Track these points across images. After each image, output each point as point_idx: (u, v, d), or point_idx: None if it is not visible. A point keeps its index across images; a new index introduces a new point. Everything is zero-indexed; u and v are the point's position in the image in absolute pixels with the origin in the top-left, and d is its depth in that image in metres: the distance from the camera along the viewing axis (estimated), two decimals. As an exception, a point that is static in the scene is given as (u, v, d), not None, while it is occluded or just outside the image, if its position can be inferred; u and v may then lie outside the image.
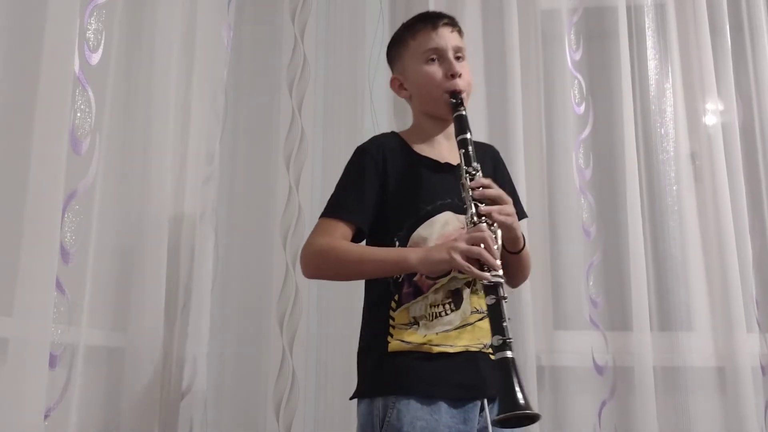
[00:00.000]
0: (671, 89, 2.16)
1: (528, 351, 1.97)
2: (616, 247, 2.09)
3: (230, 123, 2.24)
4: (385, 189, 1.44)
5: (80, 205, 1.28)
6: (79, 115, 1.28)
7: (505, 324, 1.22)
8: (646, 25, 2.19)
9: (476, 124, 2.13)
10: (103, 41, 1.37)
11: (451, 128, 1.46)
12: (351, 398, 1.43)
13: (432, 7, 2.22)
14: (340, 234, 1.40)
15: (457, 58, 1.49)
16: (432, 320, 1.38)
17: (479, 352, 1.39)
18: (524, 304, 1.99)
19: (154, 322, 1.50)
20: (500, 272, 1.27)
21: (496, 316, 1.24)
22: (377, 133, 2.29)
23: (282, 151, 2.27)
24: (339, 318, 2.14)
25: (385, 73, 2.30)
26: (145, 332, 1.48)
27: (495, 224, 1.33)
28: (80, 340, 1.29)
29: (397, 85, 1.56)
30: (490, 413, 1.35)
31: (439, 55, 1.48)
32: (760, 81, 2.11)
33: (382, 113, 2.28)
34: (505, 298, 1.25)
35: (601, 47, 2.24)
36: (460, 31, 1.54)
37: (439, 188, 1.44)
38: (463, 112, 1.43)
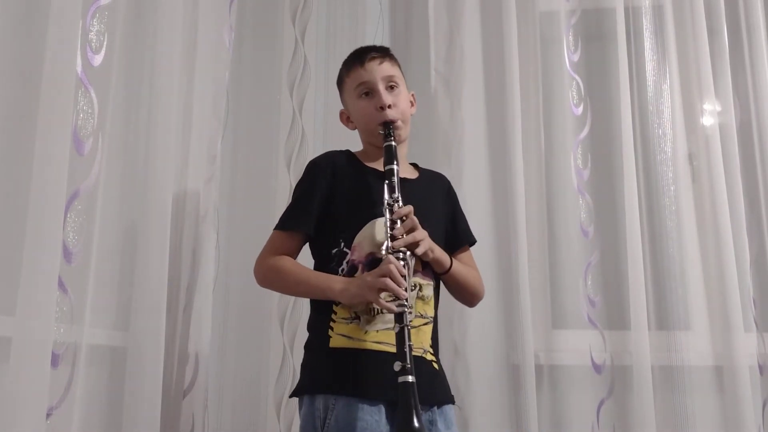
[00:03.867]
0: (669, 90, 2.16)
1: (526, 350, 1.98)
2: (614, 246, 2.10)
3: (231, 124, 2.25)
4: (333, 194, 1.54)
5: (83, 205, 1.29)
6: (81, 116, 1.29)
7: (406, 350, 1.30)
8: (644, 27, 2.20)
9: (475, 124, 2.16)
10: (105, 42, 1.37)
11: (399, 155, 1.53)
12: (291, 396, 1.48)
13: (431, 8, 2.24)
14: (289, 244, 1.54)
15: (391, 87, 1.58)
16: (373, 316, 1.44)
17: (419, 357, 1.44)
18: (522, 303, 2.00)
19: (156, 322, 1.51)
20: (405, 302, 1.36)
21: (400, 342, 1.32)
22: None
23: (283, 151, 2.28)
24: (339, 318, 2.15)
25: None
26: (147, 331, 1.49)
27: (408, 254, 1.41)
28: (82, 339, 1.30)
29: (345, 118, 1.67)
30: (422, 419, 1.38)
31: (368, 88, 1.58)
32: (758, 82, 2.12)
33: (381, 114, 2.28)
34: (407, 325, 1.33)
35: (600, 49, 2.24)
36: (392, 60, 1.62)
37: (381, 195, 1.49)
38: (392, 143, 1.52)
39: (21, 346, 1.10)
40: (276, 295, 2.18)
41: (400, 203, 1.45)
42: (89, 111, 1.31)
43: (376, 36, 2.34)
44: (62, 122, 1.19)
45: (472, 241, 1.69)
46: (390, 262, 1.38)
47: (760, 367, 1.99)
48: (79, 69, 1.27)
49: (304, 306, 2.17)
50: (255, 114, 2.32)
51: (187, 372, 1.76)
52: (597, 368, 2.03)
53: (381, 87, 1.56)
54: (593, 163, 2.18)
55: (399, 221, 1.44)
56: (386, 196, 1.45)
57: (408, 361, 1.29)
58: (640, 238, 2.03)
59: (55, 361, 1.19)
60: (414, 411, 1.23)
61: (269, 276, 1.55)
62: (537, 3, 2.29)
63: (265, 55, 2.35)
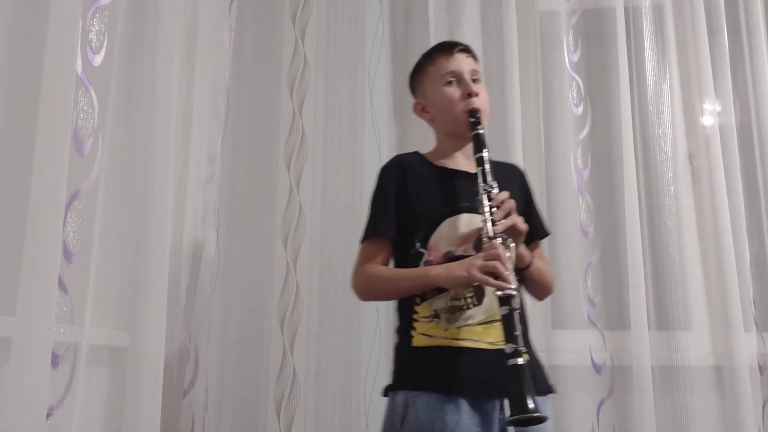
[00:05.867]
0: (669, 90, 2.17)
1: (527, 350, 1.98)
2: (614, 246, 2.10)
3: (231, 124, 2.25)
4: (405, 196, 1.54)
5: (83, 205, 1.29)
6: (81, 116, 1.29)
7: (516, 333, 1.29)
8: (644, 27, 2.20)
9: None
10: (105, 42, 1.38)
11: (470, 147, 1.52)
12: (382, 395, 1.47)
13: (431, 8, 2.24)
14: (376, 253, 1.54)
15: (474, 81, 1.57)
16: (453, 313, 1.43)
17: (501, 350, 1.39)
18: (523, 303, 1.99)
19: (156, 322, 1.50)
20: (512, 285, 1.34)
21: (508, 325, 1.31)
22: (377, 133, 2.31)
23: (283, 151, 2.28)
24: (339, 318, 2.15)
25: (384, 73, 2.33)
26: (147, 332, 1.48)
27: (508, 240, 1.40)
28: (83, 339, 1.30)
29: (420, 109, 1.65)
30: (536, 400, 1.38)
31: (456, 77, 1.57)
32: (757, 82, 2.12)
33: (382, 113, 2.29)
34: (516, 309, 1.32)
35: (600, 49, 2.25)
36: (475, 57, 1.64)
37: (455, 193, 1.50)
38: (481, 131, 1.51)
39: (21, 346, 1.10)
40: (276, 295, 2.18)
41: (496, 189, 1.43)
42: (89, 111, 1.31)
43: (376, 36, 2.34)
44: (62, 122, 1.19)
45: (545, 235, 1.66)
46: (496, 247, 1.36)
47: (760, 367, 1.99)
48: (79, 69, 1.27)
49: (304, 306, 2.17)
50: (255, 114, 2.32)
51: (187, 372, 1.76)
52: (597, 368, 2.03)
53: (468, 77, 1.56)
54: (593, 163, 2.18)
55: (496, 207, 1.41)
56: (480, 182, 1.44)
57: (519, 344, 1.27)
58: (640, 238, 2.03)
59: (55, 361, 1.19)
60: (528, 393, 1.22)
61: (365, 287, 1.55)
62: (537, 3, 2.29)
63: (265, 55, 2.36)
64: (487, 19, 2.24)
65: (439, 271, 1.43)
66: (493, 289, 1.37)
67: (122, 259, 1.52)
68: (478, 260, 1.37)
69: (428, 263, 1.47)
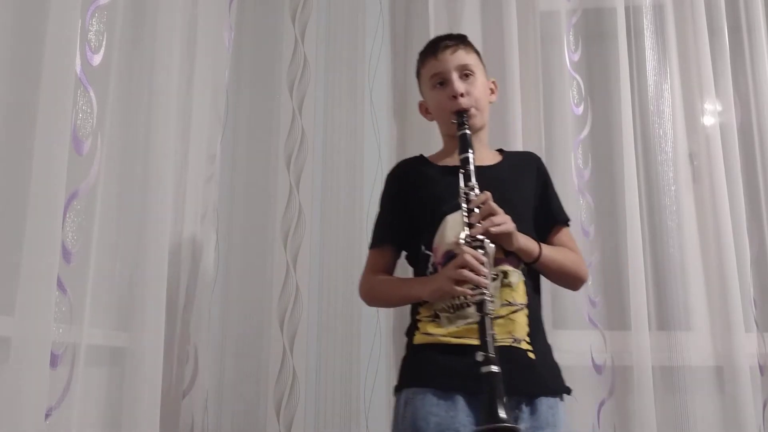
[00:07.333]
0: (669, 90, 2.16)
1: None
2: (615, 247, 2.10)
3: (231, 123, 2.24)
4: (408, 200, 1.55)
5: (82, 205, 1.29)
6: (80, 115, 1.29)
7: (487, 339, 1.27)
8: (645, 26, 2.19)
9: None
10: (104, 42, 1.37)
11: (474, 143, 1.51)
12: (393, 395, 1.48)
13: (431, 8, 2.23)
14: (381, 260, 1.58)
15: (466, 76, 1.56)
16: (454, 312, 1.42)
17: (508, 347, 1.39)
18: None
19: (156, 322, 1.50)
20: (485, 291, 1.33)
21: (481, 332, 1.29)
22: (377, 133, 2.31)
23: (282, 151, 2.28)
24: (339, 318, 2.15)
25: (384, 73, 2.32)
26: (147, 332, 1.48)
27: (486, 241, 1.38)
28: (81, 339, 1.30)
29: (424, 110, 1.67)
30: (508, 409, 1.35)
31: (442, 78, 1.57)
32: (758, 81, 2.12)
33: (382, 113, 2.29)
34: (488, 314, 1.31)
35: (600, 48, 2.24)
36: (467, 47, 1.60)
37: (455, 190, 1.46)
38: (466, 131, 1.50)
39: (20, 346, 1.10)
40: (276, 295, 2.18)
41: (477, 191, 1.42)
42: (88, 111, 1.31)
43: (376, 36, 2.34)
44: (61, 122, 1.18)
45: (564, 220, 1.62)
46: (464, 252, 1.35)
47: (761, 368, 1.98)
48: (78, 69, 1.27)
49: (304, 306, 2.17)
50: (255, 114, 2.31)
51: (187, 372, 1.76)
52: (598, 368, 2.03)
53: (454, 76, 1.55)
54: (594, 163, 2.17)
55: (476, 209, 1.40)
56: (461, 184, 1.43)
57: (490, 351, 1.25)
58: (641, 238, 2.02)
59: (54, 361, 1.19)
60: (499, 402, 1.19)
61: (368, 296, 1.61)
62: (537, 2, 2.28)
63: (265, 54, 2.35)
64: (488, 19, 2.24)
65: (418, 287, 1.46)
66: (493, 286, 1.37)
67: (121, 258, 1.52)
68: (448, 271, 1.38)
69: (435, 265, 1.47)
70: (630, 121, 2.09)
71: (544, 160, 2.14)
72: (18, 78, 1.23)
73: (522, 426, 1.36)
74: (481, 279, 1.33)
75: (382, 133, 2.26)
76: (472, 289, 1.34)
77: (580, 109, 2.20)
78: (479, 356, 1.25)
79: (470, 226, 1.39)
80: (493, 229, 1.39)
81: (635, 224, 2.03)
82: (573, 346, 2.05)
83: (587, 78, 2.22)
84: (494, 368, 1.23)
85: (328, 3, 2.38)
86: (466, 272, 1.34)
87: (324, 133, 2.29)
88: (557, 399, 1.44)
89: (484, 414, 1.20)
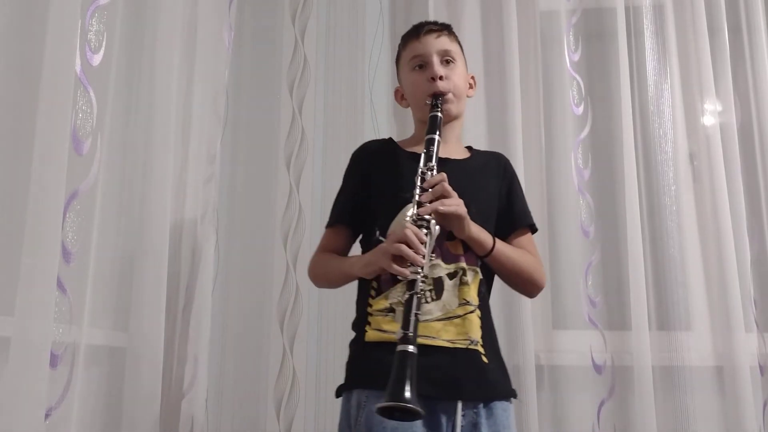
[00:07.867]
0: (670, 90, 2.16)
1: (527, 350, 1.97)
2: (615, 246, 2.10)
3: (231, 123, 2.25)
4: (368, 183, 1.51)
5: (82, 205, 1.29)
6: (80, 115, 1.29)
7: (412, 318, 1.23)
8: (645, 26, 2.19)
9: (476, 124, 2.15)
10: (104, 42, 1.37)
11: (446, 133, 1.48)
12: (336, 396, 1.41)
13: (431, 8, 2.24)
14: (334, 240, 1.54)
15: (447, 62, 1.52)
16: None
17: (464, 349, 1.36)
18: (523, 303, 1.99)
19: (155, 322, 1.50)
20: (420, 270, 1.28)
21: (406, 310, 1.25)
22: (377, 132, 2.30)
23: (282, 151, 2.28)
24: (339, 318, 2.15)
25: (384, 73, 2.33)
26: (146, 332, 1.48)
27: (432, 222, 1.34)
28: (81, 339, 1.30)
29: (399, 96, 1.62)
30: (463, 417, 1.33)
31: (423, 61, 1.53)
32: (758, 81, 2.12)
33: (382, 113, 2.29)
34: (418, 293, 1.27)
35: (600, 48, 2.24)
36: (451, 36, 1.56)
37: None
38: (439, 114, 1.46)
39: (20, 346, 1.10)
40: (276, 295, 2.18)
41: (434, 171, 1.37)
42: (88, 111, 1.31)
43: (376, 36, 2.34)
44: (61, 122, 1.19)
45: (528, 224, 1.56)
46: (407, 228, 1.31)
47: (761, 368, 1.98)
48: (78, 69, 1.27)
49: (304, 306, 2.17)
50: (255, 114, 2.31)
51: (187, 372, 1.76)
52: (598, 368, 2.03)
53: (435, 59, 1.50)
54: (594, 163, 2.17)
55: (430, 190, 1.36)
56: (421, 164, 1.39)
57: (410, 330, 1.21)
58: (641, 238, 2.02)
59: (53, 361, 1.19)
60: (409, 383, 1.15)
61: (311, 273, 1.56)
62: (537, 2, 2.29)
63: (265, 54, 2.35)
64: (488, 19, 2.24)
65: (353, 261, 1.42)
66: (451, 283, 1.34)
67: (121, 259, 1.52)
68: (386, 244, 1.33)
69: None
70: (630, 121, 2.09)
71: (544, 159, 2.16)
72: (18, 78, 1.23)
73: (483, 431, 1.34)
74: (418, 258, 1.28)
75: (382, 133, 2.26)
76: (407, 267, 1.29)
77: (580, 109, 2.20)
78: (399, 333, 1.21)
79: (419, 204, 1.35)
80: (441, 208, 1.34)
81: (635, 224, 2.03)
82: (573, 346, 2.05)
83: (587, 78, 2.22)
84: (410, 348, 1.20)
85: (328, 3, 2.38)
86: (404, 248, 1.28)
87: (324, 132, 2.29)
88: (509, 402, 1.42)
89: (390, 391, 1.15)
